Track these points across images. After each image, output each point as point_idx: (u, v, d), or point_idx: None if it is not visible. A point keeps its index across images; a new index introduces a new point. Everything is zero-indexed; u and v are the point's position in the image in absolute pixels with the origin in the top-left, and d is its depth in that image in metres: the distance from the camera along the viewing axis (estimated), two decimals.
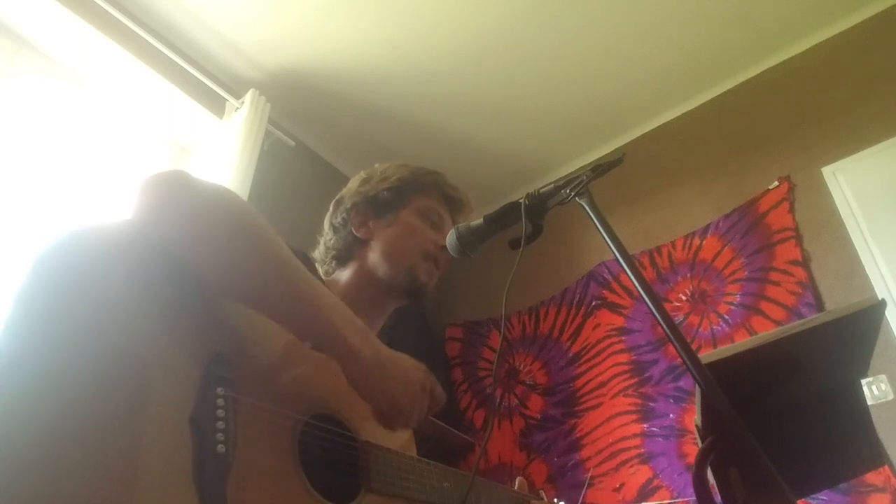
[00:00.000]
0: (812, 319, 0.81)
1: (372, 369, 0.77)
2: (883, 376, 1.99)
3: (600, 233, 0.84)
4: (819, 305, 2.20)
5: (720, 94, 2.91)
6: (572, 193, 0.90)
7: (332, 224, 1.22)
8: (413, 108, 2.98)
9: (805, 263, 2.29)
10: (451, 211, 1.24)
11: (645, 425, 2.41)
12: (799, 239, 2.35)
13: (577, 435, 2.59)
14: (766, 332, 0.82)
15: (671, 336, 0.71)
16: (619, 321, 2.70)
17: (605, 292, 2.80)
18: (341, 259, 1.18)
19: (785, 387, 0.82)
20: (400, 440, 0.97)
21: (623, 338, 2.65)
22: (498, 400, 2.92)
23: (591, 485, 2.43)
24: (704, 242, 2.59)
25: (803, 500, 1.02)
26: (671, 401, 2.40)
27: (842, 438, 0.87)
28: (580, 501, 2.30)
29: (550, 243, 2.95)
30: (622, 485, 2.36)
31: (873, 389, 1.98)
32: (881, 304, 0.81)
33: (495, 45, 2.70)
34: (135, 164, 2.50)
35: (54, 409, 0.55)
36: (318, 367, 0.84)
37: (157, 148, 2.67)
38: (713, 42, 2.72)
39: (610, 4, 2.54)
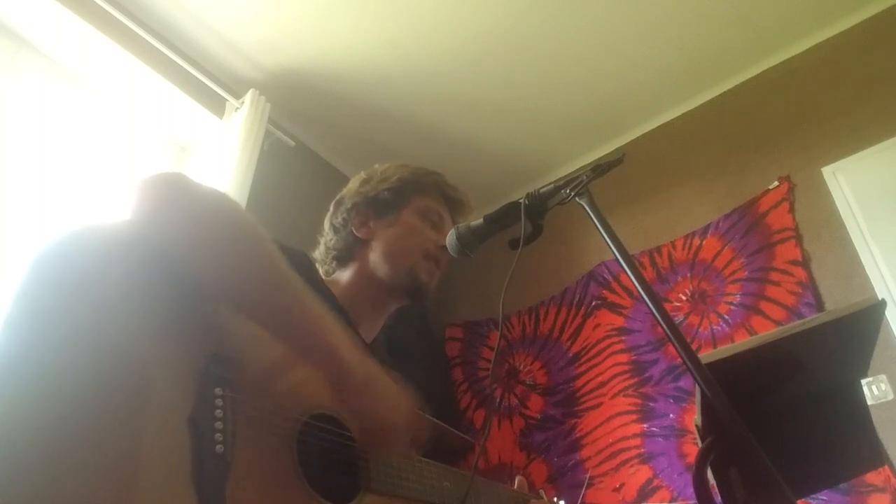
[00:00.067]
0: (812, 319, 0.81)
1: (361, 388, 0.76)
2: (883, 376, 1.99)
3: (600, 233, 0.84)
4: (819, 305, 2.20)
5: (720, 94, 2.91)
6: (572, 193, 0.90)
7: (332, 224, 1.22)
8: (413, 108, 2.98)
9: (805, 263, 2.29)
10: (451, 211, 1.24)
11: (645, 425, 2.41)
12: (799, 239, 2.35)
13: (577, 435, 2.59)
14: (766, 332, 0.82)
15: (671, 336, 0.71)
16: (619, 321, 2.70)
17: (605, 292, 2.80)
18: (342, 259, 1.18)
19: (785, 387, 0.82)
20: None
21: (623, 338, 2.65)
22: (497, 400, 2.92)
23: (591, 485, 2.43)
24: (704, 242, 2.59)
25: (803, 500, 1.02)
26: (671, 401, 2.40)
27: (842, 438, 0.87)
28: (580, 501, 2.30)
29: (550, 243, 2.95)
30: (622, 485, 2.36)
31: (873, 389, 1.98)
32: (881, 304, 0.81)
33: (495, 45, 2.70)
34: (135, 164, 2.50)
35: (54, 408, 0.55)
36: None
37: (157, 148, 2.67)
38: (713, 42, 2.72)
39: (610, 4, 2.54)
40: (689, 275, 2.58)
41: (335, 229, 1.21)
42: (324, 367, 0.76)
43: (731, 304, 2.40)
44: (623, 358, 2.61)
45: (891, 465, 1.83)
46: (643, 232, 2.80)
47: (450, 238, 1.05)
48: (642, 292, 0.76)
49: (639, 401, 2.47)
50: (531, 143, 3.19)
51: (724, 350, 0.76)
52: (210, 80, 2.59)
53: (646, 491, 2.30)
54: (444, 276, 1.20)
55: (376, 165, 1.26)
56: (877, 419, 0.88)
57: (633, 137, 3.13)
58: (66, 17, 2.25)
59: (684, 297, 2.54)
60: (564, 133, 3.14)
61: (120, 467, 0.57)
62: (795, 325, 0.80)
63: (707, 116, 2.93)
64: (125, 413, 0.59)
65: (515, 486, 1.22)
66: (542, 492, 1.29)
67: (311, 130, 3.08)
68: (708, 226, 2.62)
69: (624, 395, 2.53)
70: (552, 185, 0.95)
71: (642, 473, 2.33)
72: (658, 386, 2.45)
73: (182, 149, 2.76)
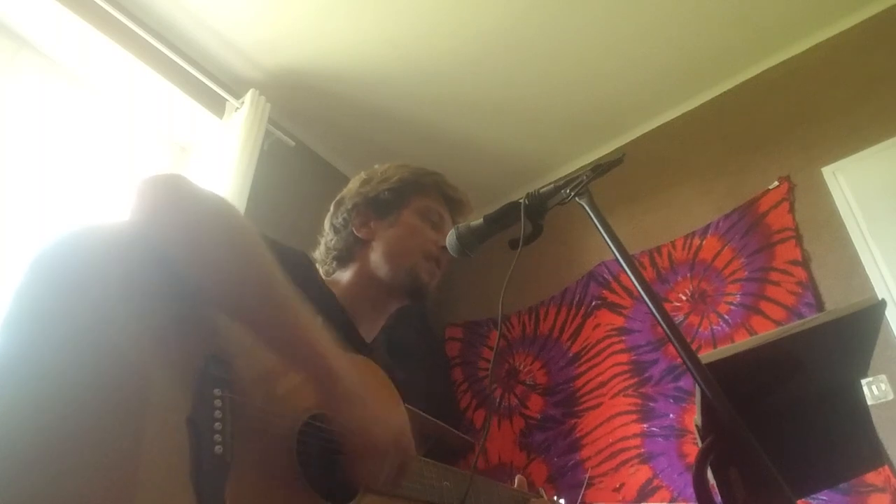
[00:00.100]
0: (812, 319, 0.81)
1: (352, 396, 0.74)
2: (883, 376, 1.99)
3: (600, 233, 0.84)
4: (819, 305, 2.20)
5: (720, 94, 2.91)
6: (572, 193, 0.90)
7: (332, 224, 1.22)
8: (413, 108, 2.98)
9: (805, 263, 2.29)
10: (452, 211, 1.25)
11: (645, 425, 2.41)
12: (799, 239, 2.35)
13: (577, 435, 2.59)
14: (766, 332, 0.82)
15: (671, 336, 0.71)
16: (619, 321, 2.70)
17: (605, 292, 2.80)
18: (342, 259, 1.18)
19: (785, 387, 0.82)
20: None
21: (623, 338, 2.65)
22: (497, 400, 2.92)
23: (591, 485, 2.43)
24: (704, 242, 2.59)
25: (803, 500, 1.02)
26: (671, 401, 2.39)
27: (842, 438, 0.87)
28: (580, 500, 2.30)
29: (550, 243, 2.95)
30: (622, 485, 2.36)
31: (873, 389, 1.98)
32: (881, 304, 0.81)
33: (495, 45, 2.70)
34: (135, 164, 2.50)
35: (54, 408, 0.55)
36: None
37: (157, 148, 2.67)
38: (713, 42, 2.72)
39: (610, 4, 2.54)
40: (689, 275, 2.58)
41: (335, 229, 1.21)
42: (311, 372, 0.74)
43: (731, 304, 2.40)
44: (623, 358, 2.61)
45: (891, 465, 1.83)
46: (643, 232, 2.80)
47: (450, 238, 1.05)
48: (642, 292, 0.76)
49: (639, 401, 2.47)
50: (531, 143, 3.19)
51: (724, 350, 0.76)
52: (210, 80, 2.59)
53: (646, 491, 2.30)
54: (444, 276, 1.20)
55: (376, 166, 1.27)
56: (877, 419, 0.88)
57: (633, 137, 3.13)
58: (66, 17, 2.25)
59: (684, 297, 2.54)
60: (564, 133, 3.14)
61: (119, 467, 0.57)
62: (795, 325, 0.80)
63: (707, 116, 2.93)
64: (125, 413, 0.59)
65: (515, 485, 1.22)
66: (542, 490, 1.29)
67: (311, 130, 3.08)
68: (708, 226, 2.62)
69: (624, 395, 2.53)
70: (552, 185, 0.95)
71: (642, 473, 2.33)
72: (658, 386, 2.45)
73: (182, 149, 2.76)
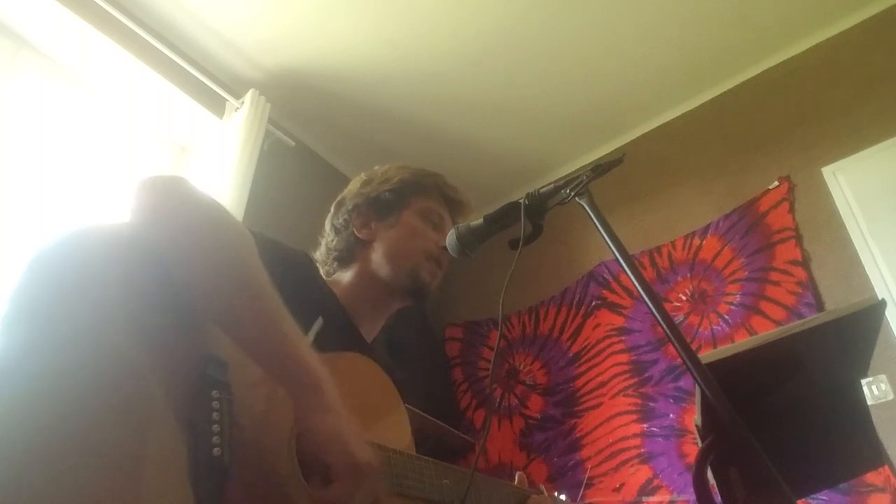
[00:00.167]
0: (812, 319, 0.81)
1: (334, 411, 0.70)
2: (883, 376, 1.99)
3: (600, 233, 0.84)
4: (819, 305, 2.20)
5: (720, 94, 2.91)
6: (572, 193, 0.90)
7: (333, 225, 1.22)
8: (413, 108, 2.98)
9: (805, 263, 2.29)
10: (452, 212, 1.25)
11: (645, 425, 2.41)
12: (799, 239, 2.34)
13: (577, 435, 2.59)
14: (766, 332, 0.82)
15: (671, 336, 0.71)
16: (619, 321, 2.70)
17: (605, 292, 2.80)
18: (343, 260, 1.18)
19: (785, 387, 0.82)
20: (399, 440, 0.97)
21: (623, 338, 2.65)
22: (497, 400, 2.92)
23: (591, 485, 2.43)
24: (704, 242, 2.59)
25: (803, 500, 1.02)
26: (671, 401, 2.39)
27: (842, 438, 0.87)
28: (579, 497, 2.31)
29: (550, 243, 2.95)
30: (622, 485, 2.36)
31: (873, 389, 1.98)
32: (881, 304, 0.81)
33: (495, 45, 2.69)
34: (135, 164, 2.50)
35: (54, 408, 0.55)
36: None
37: (157, 148, 2.67)
38: (713, 42, 2.72)
39: (610, 4, 2.54)
40: (689, 275, 2.58)
41: (336, 230, 1.21)
42: (296, 383, 0.71)
43: (731, 304, 2.40)
44: (623, 358, 2.61)
45: (891, 465, 1.83)
46: (643, 232, 2.80)
47: (450, 238, 1.05)
48: (642, 292, 0.76)
49: (639, 401, 2.47)
50: (531, 143, 3.19)
51: (724, 350, 0.76)
52: (210, 80, 2.59)
53: (646, 491, 2.30)
54: (445, 276, 1.21)
55: (377, 167, 1.27)
56: (877, 419, 0.88)
57: (633, 137, 3.13)
58: (66, 17, 2.25)
59: (684, 297, 2.54)
60: (564, 133, 3.14)
61: (120, 467, 0.57)
62: (795, 325, 0.80)
63: (707, 116, 2.93)
64: (124, 413, 0.59)
65: (515, 482, 1.23)
66: (542, 488, 1.29)
67: (311, 130, 3.08)
68: (708, 226, 2.62)
69: (624, 395, 2.52)
70: (552, 185, 0.96)
71: (642, 473, 2.33)
72: (658, 386, 2.45)
73: (182, 149, 2.76)
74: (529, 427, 2.76)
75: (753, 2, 2.56)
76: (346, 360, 0.96)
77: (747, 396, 0.72)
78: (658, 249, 2.72)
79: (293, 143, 2.84)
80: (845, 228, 2.26)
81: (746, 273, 2.41)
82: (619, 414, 2.50)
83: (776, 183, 2.49)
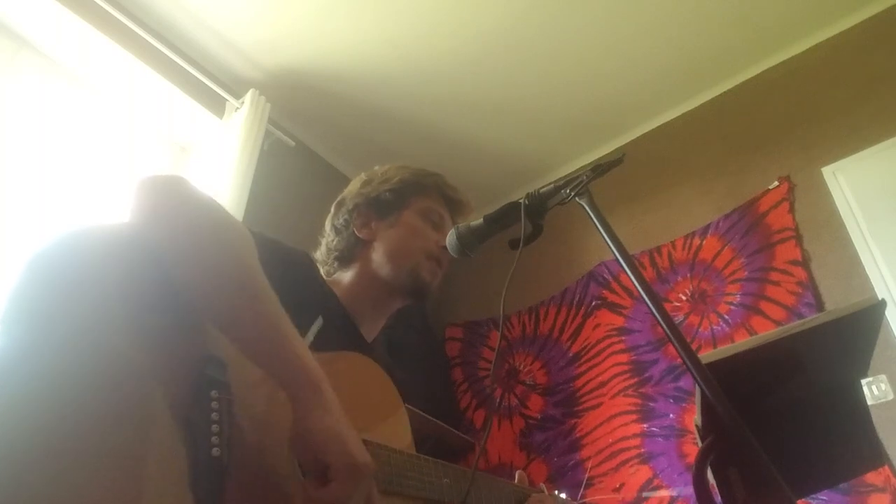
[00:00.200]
0: (812, 319, 0.81)
1: (332, 411, 0.70)
2: (883, 376, 1.99)
3: (600, 233, 0.84)
4: (819, 305, 2.20)
5: (720, 94, 2.91)
6: (572, 193, 0.90)
7: (333, 225, 1.23)
8: (413, 108, 2.98)
9: (805, 263, 2.29)
10: (452, 212, 1.25)
11: (645, 425, 2.41)
12: (799, 239, 2.34)
13: (577, 435, 2.59)
14: (766, 332, 0.82)
15: (671, 336, 0.71)
16: (619, 321, 2.70)
17: (605, 292, 2.80)
18: (343, 260, 1.18)
19: (785, 387, 0.82)
20: (399, 440, 0.97)
21: (623, 338, 2.65)
22: (497, 400, 2.92)
23: (591, 485, 2.43)
24: (704, 242, 2.59)
25: (803, 500, 1.02)
26: (671, 401, 2.39)
27: (842, 438, 0.87)
28: (579, 497, 2.31)
29: (550, 243, 2.95)
30: (622, 485, 2.36)
31: (873, 389, 1.98)
32: (881, 304, 0.81)
33: (495, 45, 2.69)
34: (135, 164, 2.50)
35: (53, 408, 0.55)
36: None
37: (157, 148, 2.67)
38: (713, 42, 2.72)
39: (610, 4, 2.54)
40: (689, 275, 2.57)
41: (337, 230, 1.21)
42: (296, 385, 0.71)
43: (731, 304, 2.40)
44: (623, 358, 2.61)
45: (891, 465, 1.83)
46: (643, 232, 2.80)
47: (450, 238, 1.05)
48: (642, 292, 0.76)
49: (639, 401, 2.47)
50: (531, 143, 3.19)
51: (724, 350, 0.76)
52: (210, 80, 2.59)
53: (646, 491, 2.30)
54: (445, 276, 1.21)
55: (377, 167, 1.27)
56: (877, 419, 0.88)
57: (633, 137, 3.13)
58: (66, 17, 2.25)
59: (684, 297, 2.54)
60: (564, 133, 3.14)
61: (120, 467, 0.57)
62: (795, 325, 0.80)
63: (707, 116, 2.93)
64: (123, 413, 0.59)
65: (516, 481, 1.23)
66: (543, 486, 1.29)
67: (311, 130, 3.08)
68: (708, 226, 2.62)
69: (624, 395, 2.52)
70: (552, 185, 0.96)
71: (642, 473, 2.33)
72: (658, 386, 2.45)
73: (182, 149, 2.76)
74: (529, 427, 2.76)
75: (753, 2, 2.56)
76: (346, 360, 0.96)
77: (747, 396, 0.72)
78: (658, 249, 2.72)
79: (293, 143, 2.84)
80: (845, 228, 2.26)
81: (746, 273, 2.41)
82: (619, 414, 2.50)
83: (776, 183, 2.49)
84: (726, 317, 2.38)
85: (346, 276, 1.16)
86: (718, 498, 0.75)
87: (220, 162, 2.41)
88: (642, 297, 0.76)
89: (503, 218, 1.01)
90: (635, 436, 2.42)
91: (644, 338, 2.59)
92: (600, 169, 0.92)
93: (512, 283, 0.95)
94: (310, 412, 0.69)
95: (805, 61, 2.71)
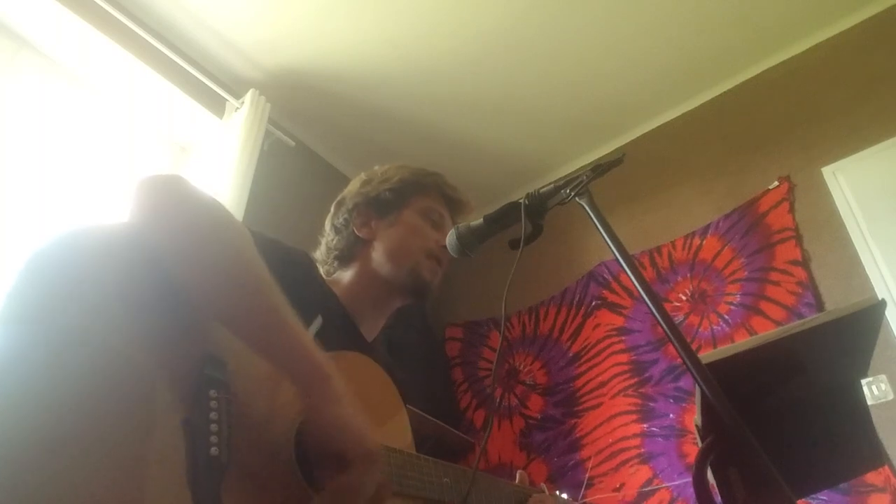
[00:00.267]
0: (812, 319, 0.81)
1: (344, 401, 0.72)
2: (883, 376, 1.99)
3: (600, 233, 0.84)
4: (819, 305, 2.20)
5: (720, 94, 2.91)
6: (572, 193, 0.90)
7: (333, 225, 1.23)
8: (413, 108, 2.98)
9: (805, 263, 2.29)
10: (452, 211, 1.25)
11: (645, 425, 2.41)
12: (799, 239, 2.34)
13: (577, 435, 2.59)
14: (766, 332, 0.82)
15: (671, 336, 0.71)
16: (619, 321, 2.70)
17: (605, 292, 2.80)
18: (343, 259, 1.18)
19: (785, 387, 0.82)
20: (399, 440, 0.96)
21: (623, 338, 2.65)
22: (498, 400, 2.92)
23: (591, 485, 2.43)
24: (704, 242, 2.59)
25: (803, 500, 1.02)
26: (671, 401, 2.39)
27: (842, 438, 0.87)
28: (580, 497, 2.31)
29: (550, 243, 2.95)
30: (622, 485, 2.36)
31: (873, 389, 1.98)
32: (881, 304, 0.81)
33: (495, 45, 2.69)
34: (135, 164, 2.50)
35: (50, 408, 0.55)
36: None
37: (157, 148, 2.67)
38: (713, 42, 2.72)
39: (610, 4, 2.54)
40: (689, 275, 2.57)
41: (336, 230, 1.21)
42: (304, 383, 0.72)
43: (731, 304, 2.40)
44: (623, 358, 2.61)
45: (891, 465, 1.83)
46: (643, 232, 2.80)
47: (450, 238, 1.05)
48: (642, 292, 0.76)
49: (639, 401, 2.47)
50: (531, 143, 3.19)
51: (724, 350, 0.76)
52: (210, 80, 2.59)
53: (646, 491, 2.30)
54: (445, 275, 1.21)
55: (376, 166, 1.27)
56: (877, 419, 0.88)
57: (633, 137, 3.13)
58: (66, 17, 2.25)
59: (684, 297, 2.54)
60: (564, 133, 3.14)
61: (119, 468, 0.57)
62: (795, 325, 0.80)
63: (707, 116, 2.93)
64: (123, 413, 0.59)
65: (517, 481, 1.23)
66: (544, 486, 1.29)
67: (311, 130, 3.08)
68: (708, 226, 2.62)
69: (624, 395, 2.52)
70: (552, 185, 0.96)
71: (642, 473, 2.33)
72: (658, 386, 2.45)
73: (182, 149, 2.76)
74: (529, 427, 2.76)
75: (753, 2, 2.56)
76: (346, 360, 0.96)
77: (747, 396, 0.72)
78: (658, 249, 2.72)
79: (293, 143, 2.84)
80: (845, 228, 2.26)
81: (746, 273, 2.41)
82: (619, 414, 2.50)
83: (776, 183, 2.49)
84: (726, 317, 2.38)
85: (346, 275, 1.16)
86: (718, 498, 0.75)
87: (220, 162, 2.41)
88: (642, 297, 0.76)
89: (503, 218, 1.01)
90: (635, 436, 2.42)
91: (644, 338, 2.59)
92: (600, 169, 0.92)
93: (512, 283, 0.95)
94: (321, 404, 0.71)
95: (805, 61, 2.71)
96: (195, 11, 2.52)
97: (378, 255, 1.15)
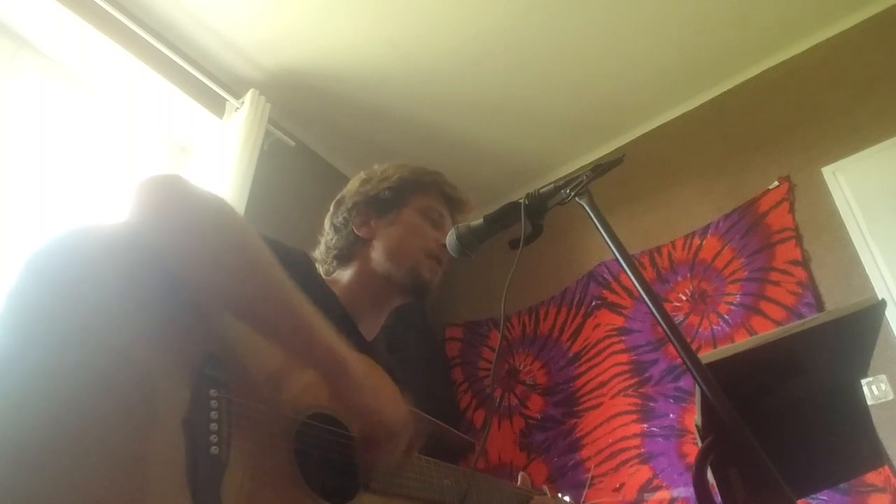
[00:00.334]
0: (812, 319, 0.81)
1: (362, 387, 0.77)
2: (883, 376, 1.99)
3: (600, 233, 0.84)
4: (819, 305, 2.20)
5: (720, 94, 2.91)
6: (572, 193, 0.90)
7: (333, 224, 1.22)
8: (413, 108, 2.98)
9: (805, 263, 2.29)
10: (452, 210, 1.25)
11: (645, 425, 2.41)
12: (799, 239, 2.35)
13: (577, 435, 2.59)
14: (766, 332, 0.82)
15: (671, 336, 0.71)
16: (619, 321, 2.70)
17: (605, 292, 2.80)
18: (343, 258, 1.18)
19: (785, 387, 0.82)
20: None
21: (623, 338, 2.65)
22: (497, 400, 2.92)
23: (591, 485, 2.43)
24: (704, 242, 2.59)
25: (803, 500, 1.02)
26: (671, 401, 2.39)
27: (842, 438, 0.87)
28: (582, 498, 2.30)
29: (550, 243, 2.95)
30: (622, 485, 2.36)
31: (873, 389, 1.98)
32: (881, 304, 0.81)
33: (495, 45, 2.69)
34: (135, 164, 2.50)
35: (52, 407, 0.55)
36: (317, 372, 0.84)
37: (157, 148, 2.67)
38: (713, 42, 2.72)
39: (610, 4, 2.54)
40: (689, 275, 2.58)
41: (336, 229, 1.21)
42: (324, 367, 0.76)
43: (731, 304, 2.40)
44: (623, 358, 2.61)
45: (891, 465, 1.83)
46: (643, 232, 2.80)
47: (450, 238, 1.05)
48: (642, 292, 0.76)
49: (639, 401, 2.47)
50: (531, 143, 3.19)
51: (724, 350, 0.76)
52: (210, 80, 2.59)
53: (646, 491, 2.30)
54: (445, 275, 1.20)
55: (376, 165, 1.27)
56: (877, 419, 0.88)
57: (633, 137, 3.13)
58: (66, 17, 2.25)
59: (684, 297, 2.54)
60: (564, 133, 3.14)
61: (119, 467, 0.57)
62: (795, 325, 0.80)
63: (707, 116, 2.93)
64: (123, 413, 0.59)
65: (519, 482, 1.22)
66: (545, 488, 1.28)
67: (311, 130, 3.08)
68: (708, 226, 2.62)
69: (624, 395, 2.52)
70: (552, 185, 0.96)
71: (642, 473, 2.33)
72: (658, 386, 2.45)
73: (182, 149, 2.76)
74: (529, 427, 2.76)
75: (753, 2, 2.56)
76: None
77: (747, 396, 0.72)
78: (658, 249, 2.72)
79: (293, 143, 2.84)
80: (845, 228, 2.26)
81: (746, 273, 2.41)
82: (619, 414, 2.50)
83: (776, 183, 2.49)
84: (726, 317, 2.38)
85: (346, 274, 1.16)
86: (718, 498, 0.75)
87: (220, 162, 2.41)
88: (642, 297, 0.76)
89: (503, 218, 1.01)
90: (635, 436, 2.42)
91: (644, 338, 2.59)
92: (600, 169, 0.92)
93: (512, 283, 0.95)
94: (344, 393, 0.76)
95: (805, 61, 2.71)
96: (195, 11, 2.52)
97: (377, 254, 1.15)
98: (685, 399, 2.36)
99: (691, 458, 2.19)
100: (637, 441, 2.40)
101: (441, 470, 0.97)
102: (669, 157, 2.94)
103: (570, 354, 2.80)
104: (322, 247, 1.23)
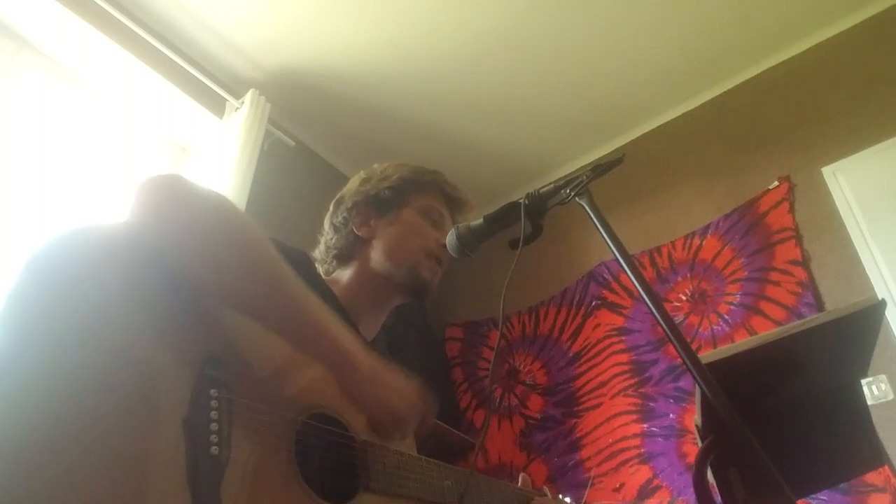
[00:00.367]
0: (812, 319, 0.81)
1: (369, 377, 0.78)
2: (883, 376, 1.99)
3: (600, 233, 0.84)
4: (819, 305, 2.20)
5: (720, 94, 2.91)
6: (572, 193, 0.90)
7: (332, 223, 1.22)
8: (413, 108, 2.98)
9: (805, 263, 2.29)
10: (452, 210, 1.25)
11: (645, 425, 2.41)
12: (799, 239, 2.34)
13: (577, 435, 2.59)
14: (766, 332, 0.82)
15: (671, 336, 0.71)
16: (619, 321, 2.70)
17: (605, 292, 2.80)
18: (343, 258, 1.18)
19: (785, 387, 0.82)
20: (400, 440, 0.96)
21: (623, 338, 2.65)
22: (497, 400, 2.92)
23: (591, 485, 2.43)
24: (704, 242, 2.59)
25: (803, 500, 1.02)
26: (671, 401, 2.39)
27: (842, 438, 0.87)
28: (583, 499, 2.30)
29: (550, 243, 2.95)
30: (622, 485, 2.36)
31: (873, 389, 1.98)
32: (881, 304, 0.81)
33: (495, 45, 2.69)
34: (135, 164, 2.50)
35: (52, 407, 0.55)
36: (320, 370, 0.84)
37: (157, 148, 2.67)
38: (713, 42, 2.72)
39: (610, 4, 2.54)
40: (689, 275, 2.57)
41: (336, 228, 1.21)
42: (330, 360, 0.77)
43: (731, 304, 2.40)
44: (623, 358, 2.61)
45: (891, 465, 1.83)
46: (643, 232, 2.80)
47: (450, 238, 1.05)
48: (642, 292, 0.76)
49: (639, 401, 2.47)
50: (531, 143, 3.19)
51: (724, 350, 0.76)
52: (210, 80, 2.59)
53: (646, 491, 2.30)
54: (444, 275, 1.20)
55: (375, 165, 1.27)
56: (877, 419, 0.88)
57: (633, 137, 3.13)
58: (66, 17, 2.25)
59: (684, 297, 2.54)
60: (564, 133, 3.14)
61: (120, 467, 0.57)
62: (795, 325, 0.80)
63: (707, 116, 2.93)
64: (123, 413, 0.59)
65: (520, 483, 1.22)
66: (546, 489, 1.28)
67: (311, 130, 3.08)
68: (708, 226, 2.62)
69: (624, 395, 2.52)
70: (552, 185, 0.95)
71: (642, 473, 2.33)
72: (658, 386, 2.45)
73: (182, 149, 2.76)
74: (529, 427, 2.76)
75: (753, 2, 2.56)
76: None
77: (747, 396, 0.72)
78: (658, 249, 2.72)
79: (293, 143, 2.84)
80: (845, 228, 2.26)
81: (746, 273, 2.41)
82: (619, 414, 2.50)
83: (776, 183, 2.49)
84: (726, 317, 2.38)
85: (345, 274, 1.16)
86: (718, 498, 0.75)
87: (220, 162, 2.41)
88: (642, 297, 0.76)
89: (503, 218, 1.01)
90: (635, 436, 2.42)
91: (644, 338, 2.59)
92: (600, 169, 0.92)
93: (512, 283, 0.95)
94: (349, 384, 0.78)
95: (805, 61, 2.71)
96: (195, 11, 2.52)
97: (377, 253, 1.15)
98: (685, 399, 2.36)
99: (691, 458, 2.19)
100: (637, 441, 2.40)
101: (442, 471, 0.97)
102: (669, 157, 2.94)
103: (570, 354, 2.80)
104: (322, 247, 1.23)
